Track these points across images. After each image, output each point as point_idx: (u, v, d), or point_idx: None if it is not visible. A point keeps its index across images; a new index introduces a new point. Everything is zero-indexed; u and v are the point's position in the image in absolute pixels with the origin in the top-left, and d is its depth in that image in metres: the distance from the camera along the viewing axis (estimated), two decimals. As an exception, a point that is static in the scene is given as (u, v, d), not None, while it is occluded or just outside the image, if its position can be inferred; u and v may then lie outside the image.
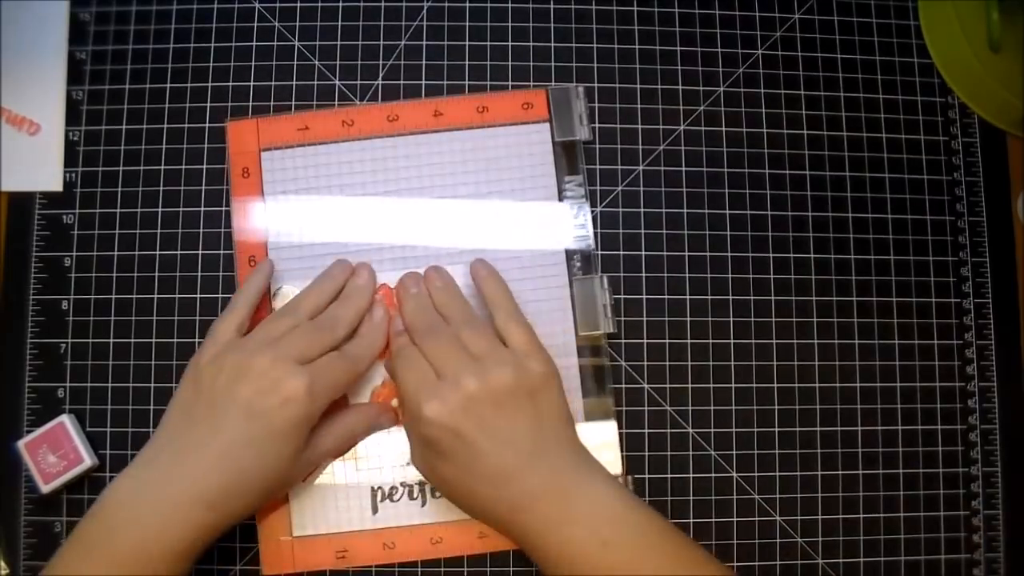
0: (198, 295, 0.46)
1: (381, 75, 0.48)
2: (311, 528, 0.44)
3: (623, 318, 0.46)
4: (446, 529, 0.44)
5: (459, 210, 0.46)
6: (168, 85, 0.48)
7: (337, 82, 0.48)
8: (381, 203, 0.46)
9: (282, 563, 0.44)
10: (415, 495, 0.44)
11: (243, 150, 0.47)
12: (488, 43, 0.48)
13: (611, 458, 0.44)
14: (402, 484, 0.44)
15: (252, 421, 0.38)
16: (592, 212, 0.47)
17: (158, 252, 0.47)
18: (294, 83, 0.48)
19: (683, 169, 0.48)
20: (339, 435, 0.42)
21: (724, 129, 0.48)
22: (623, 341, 0.46)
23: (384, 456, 0.44)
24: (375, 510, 0.44)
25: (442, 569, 0.45)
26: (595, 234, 0.47)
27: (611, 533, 0.37)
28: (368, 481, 0.44)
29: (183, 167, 0.47)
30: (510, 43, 0.48)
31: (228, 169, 0.47)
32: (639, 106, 0.48)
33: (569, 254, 0.46)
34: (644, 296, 0.47)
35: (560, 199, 0.47)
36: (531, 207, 0.46)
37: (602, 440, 0.45)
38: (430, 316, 0.42)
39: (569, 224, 0.46)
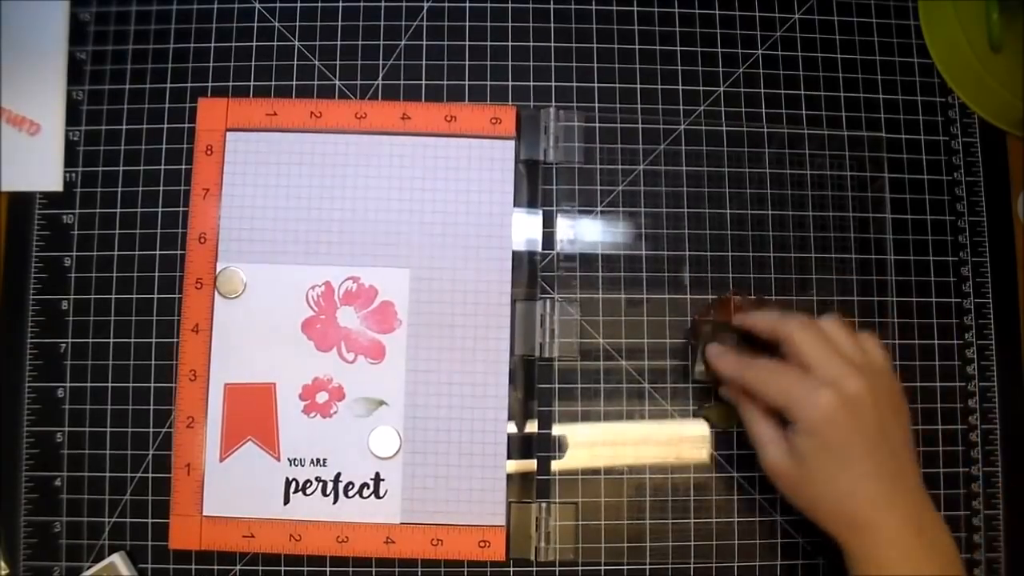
0: (198, 295, 0.46)
1: (381, 75, 0.48)
2: (221, 510, 0.45)
3: (623, 317, 0.46)
4: (353, 529, 0.44)
5: (411, 216, 0.46)
6: (168, 85, 0.48)
7: (337, 82, 0.48)
8: (337, 198, 0.46)
9: (189, 539, 0.44)
10: (328, 491, 0.45)
11: (210, 128, 0.47)
12: (488, 43, 0.48)
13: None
14: (317, 479, 0.45)
15: None
16: (592, 212, 0.47)
17: (158, 252, 0.47)
18: (294, 83, 0.48)
19: (683, 169, 0.48)
20: None
21: (724, 129, 0.48)
22: (623, 341, 0.46)
23: (305, 449, 0.45)
24: (287, 500, 0.45)
25: (442, 569, 0.45)
26: (592, 236, 0.47)
27: None
28: (284, 472, 0.45)
29: (183, 167, 0.47)
30: (510, 43, 0.48)
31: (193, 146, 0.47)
32: (639, 106, 0.48)
33: (515, 277, 0.46)
34: (645, 296, 0.47)
35: (514, 218, 0.46)
36: (483, 220, 0.46)
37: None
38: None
39: (519, 243, 0.46)
